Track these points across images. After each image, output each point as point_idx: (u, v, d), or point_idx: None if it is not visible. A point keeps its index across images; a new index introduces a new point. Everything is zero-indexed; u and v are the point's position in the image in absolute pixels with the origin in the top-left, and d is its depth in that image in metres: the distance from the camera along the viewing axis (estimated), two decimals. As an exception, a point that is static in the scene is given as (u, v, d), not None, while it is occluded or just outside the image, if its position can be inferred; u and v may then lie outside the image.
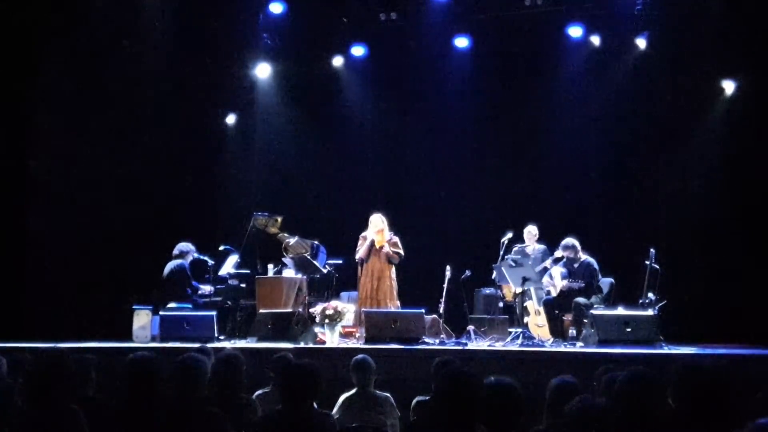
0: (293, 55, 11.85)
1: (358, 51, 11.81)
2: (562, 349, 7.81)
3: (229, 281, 9.55)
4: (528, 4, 10.73)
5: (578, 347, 7.80)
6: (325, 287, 9.72)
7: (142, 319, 8.79)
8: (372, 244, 9.16)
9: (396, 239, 9.26)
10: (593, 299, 8.61)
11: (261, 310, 8.84)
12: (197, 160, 11.37)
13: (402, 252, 9.22)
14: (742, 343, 7.98)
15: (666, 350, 7.38)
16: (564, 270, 8.93)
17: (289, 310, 8.75)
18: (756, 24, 9.58)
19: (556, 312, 8.85)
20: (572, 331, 8.61)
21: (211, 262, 9.59)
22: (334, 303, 8.37)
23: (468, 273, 9.29)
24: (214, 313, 8.47)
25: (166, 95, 10.77)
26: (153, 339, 8.61)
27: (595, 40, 10.94)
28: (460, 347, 7.71)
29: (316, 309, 8.33)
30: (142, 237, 10.30)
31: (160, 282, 9.24)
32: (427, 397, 4.64)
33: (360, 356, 5.41)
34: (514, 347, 7.89)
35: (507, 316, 9.15)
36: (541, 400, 3.76)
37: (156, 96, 10.68)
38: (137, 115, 10.63)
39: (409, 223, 10.24)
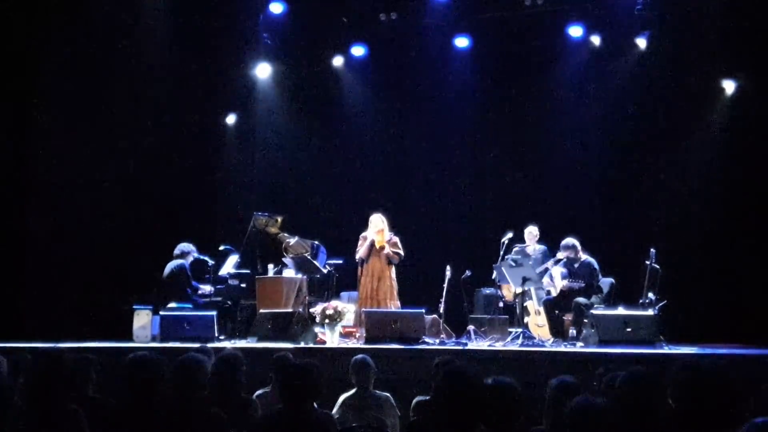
0: (293, 55, 11.86)
1: (358, 51, 11.81)
2: (562, 349, 7.80)
3: (229, 281, 9.55)
4: (528, 4, 10.74)
5: (578, 347, 7.80)
6: (325, 287, 9.71)
7: (142, 319, 8.79)
8: (372, 244, 9.16)
9: (396, 239, 9.26)
10: (593, 299, 8.61)
11: (261, 310, 8.84)
12: (197, 160, 11.37)
13: (402, 252, 9.22)
14: (742, 343, 7.98)
15: (666, 350, 7.39)
16: (564, 270, 8.93)
17: (289, 310, 8.75)
18: (756, 24, 9.57)
19: (556, 312, 8.85)
20: (572, 331, 8.61)
21: (211, 262, 9.60)
22: (334, 303, 8.37)
23: (468, 273, 9.29)
24: (214, 313, 8.47)
25: (166, 95, 10.77)
26: (153, 339, 8.61)
27: (595, 40, 10.94)
28: (460, 347, 7.70)
29: (316, 309, 8.32)
30: (142, 237, 10.30)
31: (161, 282, 9.24)
32: (427, 397, 4.65)
33: (359, 356, 5.41)
34: (514, 347, 7.88)
35: (507, 316, 9.14)
36: (541, 400, 3.76)
37: (156, 96, 10.68)
38: (137, 115, 10.62)
39: (409, 223, 10.25)
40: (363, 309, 8.69)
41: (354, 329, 8.78)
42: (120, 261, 10.20)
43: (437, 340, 8.22)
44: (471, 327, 8.69)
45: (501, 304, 9.51)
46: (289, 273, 9.54)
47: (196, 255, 9.41)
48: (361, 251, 9.23)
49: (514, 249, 9.40)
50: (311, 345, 8.01)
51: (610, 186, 10.96)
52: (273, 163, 12.14)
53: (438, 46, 11.51)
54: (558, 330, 8.71)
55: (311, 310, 8.56)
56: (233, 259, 9.77)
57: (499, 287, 9.49)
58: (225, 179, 11.88)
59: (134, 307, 8.93)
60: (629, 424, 3.09)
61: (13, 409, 3.77)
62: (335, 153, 12.01)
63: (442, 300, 8.94)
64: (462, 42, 11.50)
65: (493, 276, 9.20)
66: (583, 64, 11.14)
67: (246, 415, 4.28)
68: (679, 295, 8.86)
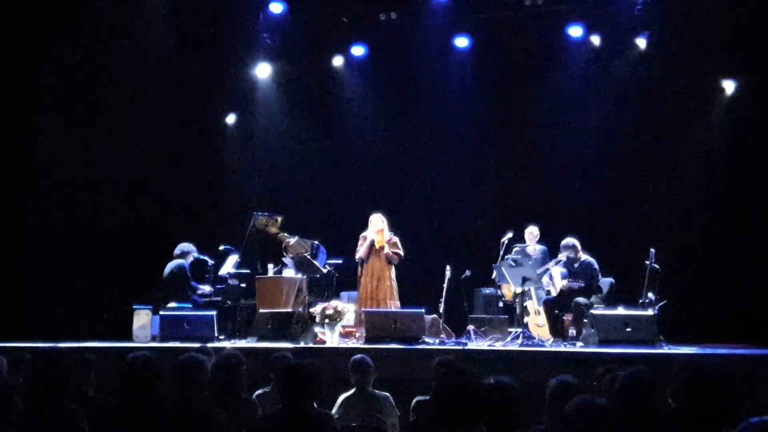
0: (293, 55, 11.84)
1: (358, 51, 11.81)
2: (562, 349, 7.81)
3: (229, 281, 9.56)
4: (528, 4, 10.73)
5: (578, 347, 7.81)
6: (325, 287, 9.72)
7: (142, 319, 8.80)
8: (372, 244, 9.16)
9: (396, 239, 9.26)
10: (593, 299, 8.61)
11: (261, 310, 8.84)
12: (197, 160, 11.37)
13: (402, 252, 9.22)
14: (742, 343, 7.98)
15: (666, 350, 7.39)
16: (564, 270, 8.93)
17: (289, 310, 8.76)
18: (756, 24, 9.57)
19: (556, 312, 8.85)
20: (572, 331, 8.61)
21: (211, 262, 9.60)
22: (334, 303, 8.38)
23: (468, 273, 9.29)
24: (214, 313, 8.47)
25: (166, 95, 10.77)
26: (153, 339, 8.62)
27: (595, 40, 10.94)
28: (460, 347, 7.71)
29: (316, 309, 8.33)
30: (142, 237, 10.30)
31: (160, 282, 9.24)
32: (427, 397, 4.64)
33: (358, 356, 5.40)
34: (514, 347, 7.88)
35: (507, 316, 9.14)
36: (541, 400, 3.75)
37: (156, 96, 10.68)
38: (137, 115, 10.63)
39: (409, 223, 10.24)
40: (363, 309, 8.69)
41: (354, 329, 8.78)
42: (120, 261, 10.20)
43: (437, 340, 8.22)
44: (471, 327, 8.69)
45: (501, 304, 9.51)
46: (289, 273, 9.54)
47: (196, 255, 9.41)
48: (361, 251, 9.23)
49: (514, 249, 9.40)
50: (311, 345, 8.02)
51: (610, 186, 10.95)
52: (273, 163, 12.13)
53: (438, 46, 11.50)
54: (558, 330, 8.70)
55: (311, 310, 8.57)
56: (233, 259, 9.77)
57: (499, 287, 9.49)
58: (225, 179, 11.87)
59: (134, 307, 8.94)
60: (629, 424, 3.09)
61: (13, 409, 3.77)
62: (335, 153, 12.01)
63: (442, 300, 8.94)
64: (462, 42, 11.50)
65: (493, 276, 9.20)
66: (583, 64, 11.13)
67: (246, 415, 4.28)
68: (679, 295, 8.86)
